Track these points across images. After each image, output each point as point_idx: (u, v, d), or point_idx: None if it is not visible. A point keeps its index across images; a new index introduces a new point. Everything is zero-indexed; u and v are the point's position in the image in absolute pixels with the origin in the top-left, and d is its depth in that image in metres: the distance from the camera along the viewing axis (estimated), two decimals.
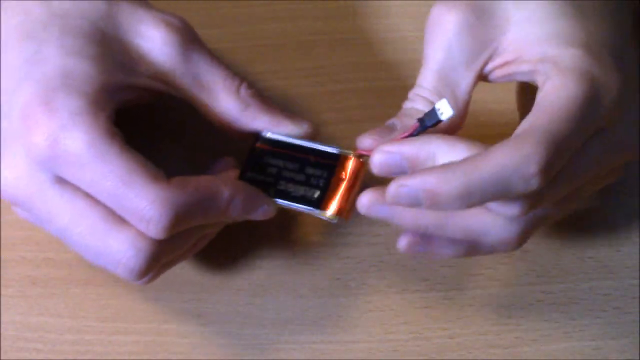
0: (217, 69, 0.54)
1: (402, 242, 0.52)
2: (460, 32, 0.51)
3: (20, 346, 0.58)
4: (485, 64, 0.52)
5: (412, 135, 0.51)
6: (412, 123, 0.51)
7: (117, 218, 0.50)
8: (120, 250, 0.50)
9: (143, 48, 0.53)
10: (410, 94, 0.53)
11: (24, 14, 0.51)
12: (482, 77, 0.53)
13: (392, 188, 0.48)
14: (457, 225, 0.51)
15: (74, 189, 0.50)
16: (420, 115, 0.51)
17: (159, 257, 0.51)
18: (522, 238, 0.51)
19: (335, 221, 0.54)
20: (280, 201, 0.54)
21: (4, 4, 0.52)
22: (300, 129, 0.55)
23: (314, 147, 0.54)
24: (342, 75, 0.61)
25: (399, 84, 0.61)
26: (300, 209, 0.54)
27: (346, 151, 0.54)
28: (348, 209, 0.54)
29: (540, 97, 0.49)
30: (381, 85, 0.61)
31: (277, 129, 0.55)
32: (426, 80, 0.52)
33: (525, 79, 0.51)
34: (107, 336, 0.58)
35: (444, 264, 0.59)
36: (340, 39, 0.62)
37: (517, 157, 0.46)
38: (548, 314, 0.58)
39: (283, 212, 0.54)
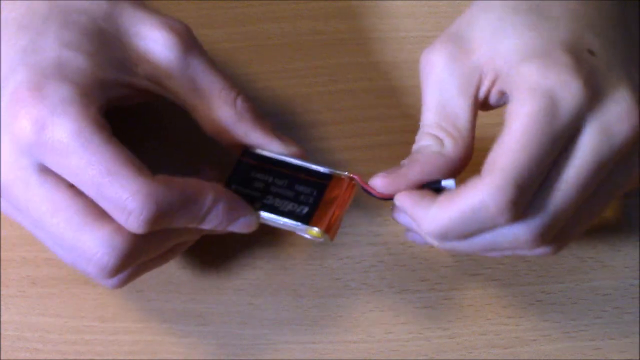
0: (216, 77, 0.54)
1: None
2: (447, 65, 0.52)
3: (20, 346, 0.58)
4: (478, 88, 0.52)
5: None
6: (429, 158, 0.52)
7: (95, 213, 0.50)
8: (94, 246, 0.50)
9: (143, 48, 0.53)
10: (417, 137, 0.53)
11: (26, 7, 0.52)
12: (483, 104, 0.52)
13: (395, 215, 0.53)
14: (474, 246, 0.52)
15: (56, 179, 0.50)
16: (433, 149, 0.52)
17: (132, 257, 0.51)
18: (538, 246, 0.52)
19: (321, 239, 0.53)
20: (265, 215, 0.53)
21: None
22: (287, 151, 0.55)
23: (305, 166, 0.54)
24: (341, 75, 0.61)
25: (398, 84, 0.61)
26: (287, 224, 0.53)
27: (339, 172, 0.54)
28: (335, 229, 0.54)
29: (505, 119, 0.50)
30: (381, 85, 0.61)
31: (266, 147, 0.54)
32: (427, 119, 0.52)
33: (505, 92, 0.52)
34: (107, 336, 0.58)
35: (444, 264, 0.59)
36: (340, 39, 0.62)
37: (477, 200, 0.49)
38: (548, 314, 0.58)
39: None
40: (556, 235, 0.52)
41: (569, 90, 0.49)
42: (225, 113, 0.54)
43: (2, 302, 0.58)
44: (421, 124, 0.53)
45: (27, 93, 0.49)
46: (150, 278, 0.58)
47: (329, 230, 0.53)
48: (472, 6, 0.53)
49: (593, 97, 0.49)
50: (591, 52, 0.50)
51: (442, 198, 0.50)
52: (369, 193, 0.53)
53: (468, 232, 0.50)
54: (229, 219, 0.52)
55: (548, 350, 0.58)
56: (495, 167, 0.49)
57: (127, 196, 0.49)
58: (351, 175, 0.54)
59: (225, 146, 0.55)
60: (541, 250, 0.52)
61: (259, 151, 0.55)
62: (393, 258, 0.59)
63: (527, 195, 0.49)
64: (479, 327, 0.58)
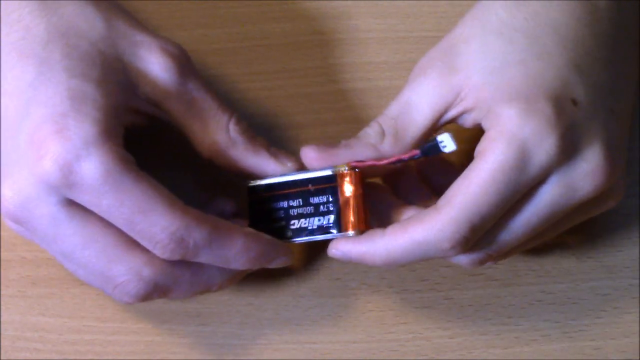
0: (210, 100, 0.54)
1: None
2: (433, 77, 0.53)
3: (20, 346, 0.58)
4: (448, 108, 0.53)
5: (409, 159, 0.53)
6: (363, 149, 0.53)
7: (127, 243, 0.51)
8: (123, 274, 0.51)
9: (141, 71, 0.52)
10: (373, 121, 0.54)
11: (24, 31, 0.51)
12: (446, 120, 0.54)
13: (329, 250, 0.54)
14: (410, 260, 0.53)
15: (84, 213, 0.50)
16: (371, 141, 0.53)
17: (159, 290, 0.52)
18: (479, 264, 0.54)
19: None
20: (300, 239, 0.54)
21: (3, 18, 0.51)
22: (284, 168, 0.55)
23: (307, 177, 0.54)
24: (341, 75, 0.61)
25: (398, 84, 0.61)
26: (323, 239, 0.54)
27: (339, 168, 0.54)
28: (365, 218, 0.54)
29: (475, 154, 0.51)
30: (381, 85, 0.61)
31: (262, 168, 0.55)
32: (390, 109, 0.54)
33: (479, 122, 0.53)
34: (107, 336, 0.58)
35: (444, 264, 0.59)
36: (340, 39, 0.62)
37: (432, 233, 0.51)
38: (548, 314, 0.58)
39: None
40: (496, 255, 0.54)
41: (543, 145, 0.50)
42: (219, 137, 0.54)
43: (2, 302, 0.58)
44: (385, 110, 0.54)
45: (49, 135, 0.49)
46: None
47: (362, 226, 0.54)
48: (472, 20, 0.53)
49: (565, 153, 0.50)
50: (574, 102, 0.51)
51: (392, 228, 0.52)
52: (373, 167, 0.53)
53: (416, 260, 0.52)
54: (261, 262, 0.53)
55: (548, 350, 0.58)
56: (454, 203, 0.50)
57: (155, 231, 0.49)
58: (351, 165, 0.54)
59: (221, 168, 0.55)
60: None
61: (258, 183, 0.55)
62: None
63: (480, 233, 0.51)
64: (479, 327, 0.58)
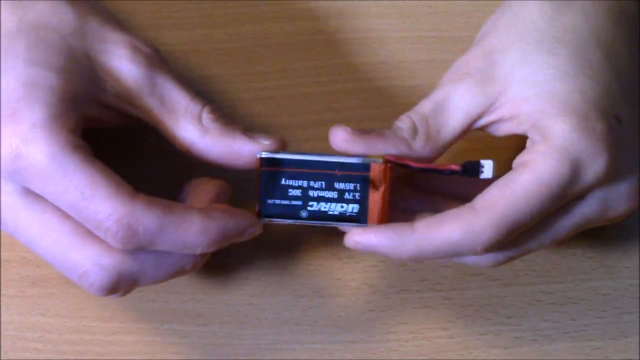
0: (181, 93, 0.53)
1: None
2: (470, 83, 0.52)
3: (20, 346, 0.58)
4: (481, 114, 0.53)
5: (445, 172, 0.52)
6: (396, 141, 0.52)
7: (84, 233, 0.50)
8: (83, 265, 0.50)
9: (111, 65, 0.52)
10: (403, 115, 0.54)
11: None
12: (477, 127, 0.53)
13: (347, 240, 0.52)
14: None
15: (41, 202, 0.50)
16: (405, 135, 0.52)
17: (125, 278, 0.51)
18: (498, 265, 0.54)
19: None
20: (316, 223, 0.53)
21: None
22: (261, 147, 0.53)
23: (336, 161, 0.52)
24: (342, 75, 0.61)
25: (399, 84, 0.61)
26: (342, 227, 0.53)
27: (374, 159, 0.52)
28: (386, 215, 0.53)
29: (517, 163, 0.51)
30: (381, 85, 0.61)
31: (240, 151, 0.53)
32: (422, 107, 0.53)
33: (518, 133, 0.53)
34: (107, 336, 0.58)
35: (444, 264, 0.59)
36: (340, 39, 0.62)
37: (466, 234, 0.50)
38: (548, 314, 0.58)
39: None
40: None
41: (593, 164, 0.50)
42: (188, 129, 0.53)
43: (2, 302, 0.58)
44: (415, 107, 0.54)
45: (1, 120, 0.49)
46: None
47: (385, 221, 0.52)
48: (507, 27, 0.53)
49: (609, 174, 0.51)
50: (619, 120, 0.51)
51: (425, 224, 0.51)
52: (407, 167, 0.52)
53: (444, 257, 0.52)
54: (227, 240, 0.52)
55: (548, 350, 0.58)
56: (496, 208, 0.50)
57: (101, 218, 0.49)
58: (386, 158, 0.52)
59: (199, 161, 0.54)
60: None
61: (276, 155, 0.53)
62: None
63: (510, 239, 0.51)
64: (479, 327, 0.58)
